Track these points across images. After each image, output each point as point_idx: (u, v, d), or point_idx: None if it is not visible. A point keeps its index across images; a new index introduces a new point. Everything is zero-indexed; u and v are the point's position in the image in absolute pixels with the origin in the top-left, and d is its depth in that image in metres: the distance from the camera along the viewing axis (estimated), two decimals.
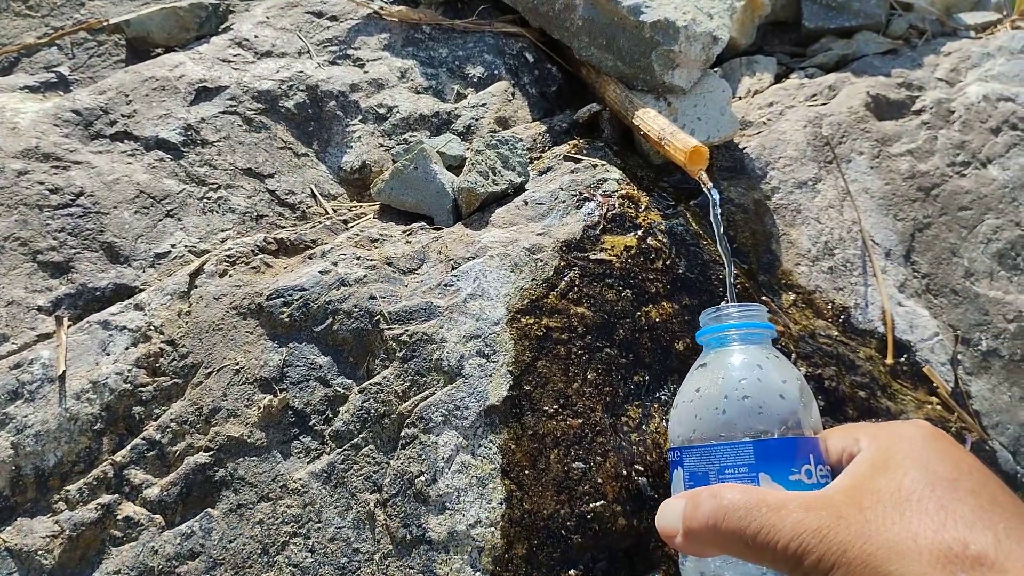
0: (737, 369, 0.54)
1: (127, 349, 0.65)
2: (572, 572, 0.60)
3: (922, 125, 0.92)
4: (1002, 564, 0.37)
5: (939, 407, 0.76)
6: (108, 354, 0.64)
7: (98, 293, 0.68)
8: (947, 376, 0.77)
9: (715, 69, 0.90)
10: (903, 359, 0.77)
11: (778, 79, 0.99)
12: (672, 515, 0.49)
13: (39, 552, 0.58)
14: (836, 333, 0.77)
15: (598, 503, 0.62)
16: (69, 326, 0.65)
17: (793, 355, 0.73)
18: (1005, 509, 0.41)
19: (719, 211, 0.66)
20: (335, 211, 0.78)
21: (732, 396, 0.53)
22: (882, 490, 0.42)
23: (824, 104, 0.92)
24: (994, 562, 0.37)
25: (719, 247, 0.67)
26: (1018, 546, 0.38)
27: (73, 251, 0.69)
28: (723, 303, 0.70)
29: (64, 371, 0.63)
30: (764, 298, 0.77)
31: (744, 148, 0.86)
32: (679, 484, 0.54)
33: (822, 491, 0.46)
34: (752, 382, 0.53)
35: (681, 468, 0.54)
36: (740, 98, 0.98)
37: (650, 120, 0.79)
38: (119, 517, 0.59)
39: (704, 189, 0.72)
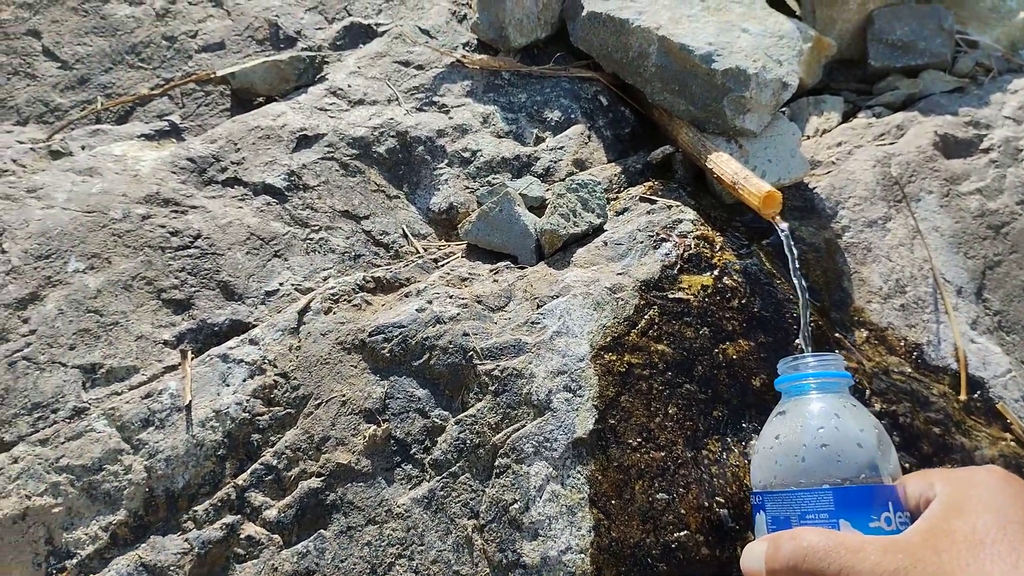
0: (815, 417, 0.57)
1: (244, 381, 0.71)
2: None
3: (990, 163, 0.94)
4: None
5: (1013, 443, 0.77)
6: (228, 385, 0.70)
7: (216, 328, 0.75)
8: (1021, 413, 0.79)
9: (783, 109, 0.93)
10: (976, 395, 0.79)
11: (845, 117, 1.02)
12: (755, 557, 0.52)
13: (171, 568, 0.64)
14: (909, 370, 0.79)
15: (682, 533, 0.65)
16: (192, 359, 0.72)
17: (867, 391, 0.75)
18: None
19: (796, 258, 0.69)
20: (425, 250, 0.83)
21: (810, 444, 0.56)
22: (956, 533, 0.45)
23: (892, 143, 0.95)
24: None
25: (796, 287, 0.70)
26: None
27: (193, 289, 0.76)
28: (799, 350, 0.74)
29: (190, 401, 0.69)
30: (837, 335, 0.80)
31: (814, 188, 0.89)
32: (762, 528, 0.57)
33: (900, 535, 0.48)
34: (830, 431, 0.56)
35: (763, 512, 0.57)
36: (808, 137, 1.01)
37: (723, 164, 0.83)
38: (242, 536, 0.65)
39: (777, 229, 0.75)
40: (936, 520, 0.48)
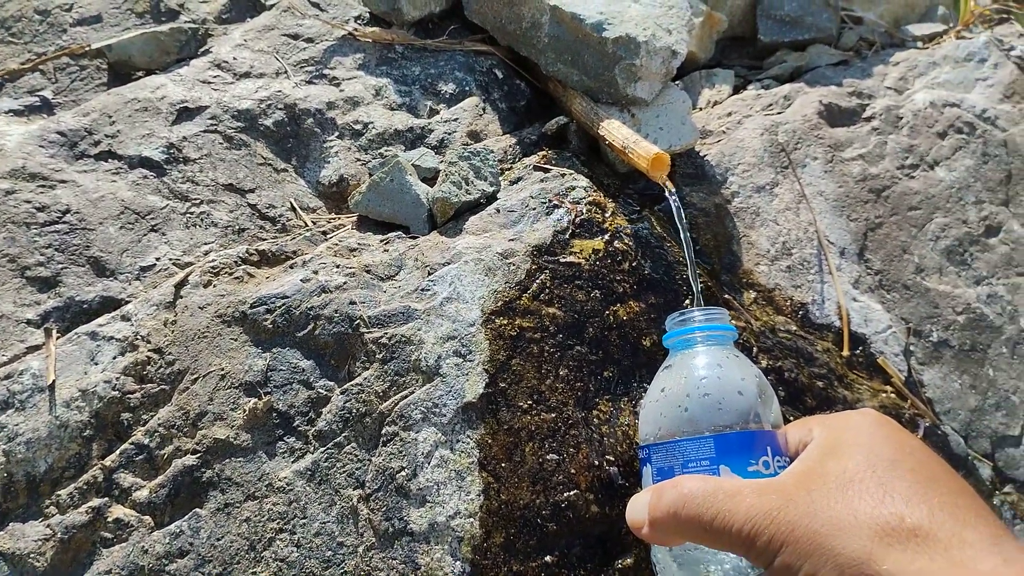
0: (699, 368, 0.58)
1: (115, 358, 0.67)
2: (548, 558, 0.63)
3: (872, 131, 0.97)
4: (935, 535, 0.40)
5: (893, 395, 0.80)
6: (96, 363, 0.67)
7: (85, 306, 0.71)
8: (901, 366, 0.81)
9: (676, 82, 0.94)
10: (859, 351, 0.81)
11: (736, 91, 1.04)
12: (639, 507, 0.53)
13: (31, 555, 0.60)
14: (795, 328, 0.81)
15: (572, 492, 0.65)
16: (58, 338, 0.68)
17: (755, 349, 0.76)
18: (942, 485, 0.44)
19: (683, 213, 0.70)
20: (314, 223, 0.81)
21: (694, 394, 0.56)
22: (829, 473, 0.46)
23: (779, 113, 0.97)
24: (927, 533, 0.40)
25: (684, 247, 0.71)
26: (951, 518, 0.41)
27: (60, 266, 0.72)
28: (687, 307, 0.75)
29: (54, 380, 0.65)
30: (726, 296, 0.81)
31: (705, 156, 0.91)
32: (648, 480, 0.57)
33: (775, 478, 0.49)
34: (713, 380, 0.57)
35: (649, 464, 0.57)
36: (700, 109, 1.02)
37: (615, 130, 0.83)
38: (109, 519, 0.62)
39: (666, 193, 0.76)
40: (810, 462, 0.49)
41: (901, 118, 0.99)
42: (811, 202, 0.89)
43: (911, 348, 0.83)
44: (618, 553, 0.64)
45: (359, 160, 0.86)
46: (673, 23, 0.91)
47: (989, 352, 0.85)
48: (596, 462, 0.67)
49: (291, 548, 0.61)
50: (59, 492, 0.62)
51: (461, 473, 0.64)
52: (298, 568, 0.61)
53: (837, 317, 0.82)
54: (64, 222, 0.74)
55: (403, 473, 0.64)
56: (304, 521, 0.62)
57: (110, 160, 0.79)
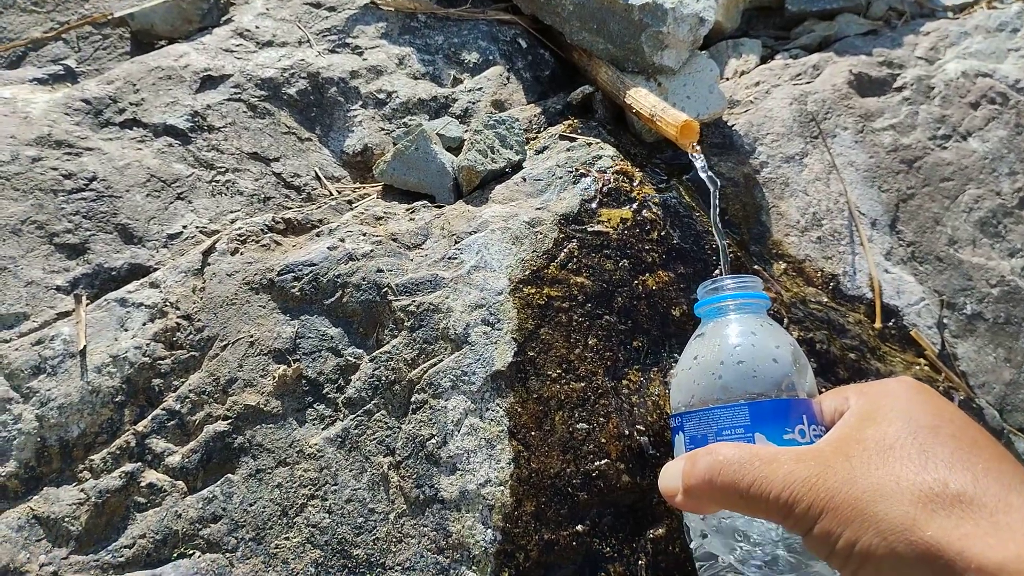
0: (733, 336, 0.57)
1: (144, 324, 0.67)
2: (580, 527, 0.63)
3: (903, 101, 0.95)
4: (980, 500, 0.39)
5: (927, 368, 0.79)
6: (126, 330, 0.67)
7: (114, 273, 0.71)
8: (934, 339, 0.80)
9: (703, 51, 0.93)
10: (891, 323, 0.80)
11: (763, 60, 1.02)
12: (673, 475, 0.52)
13: (66, 519, 0.60)
14: (826, 299, 0.80)
15: (602, 461, 0.65)
16: (87, 304, 0.68)
17: (785, 320, 0.76)
18: (984, 451, 0.43)
19: (717, 181, 0.69)
20: (339, 192, 0.80)
21: (728, 361, 0.55)
22: (868, 440, 0.45)
23: (808, 83, 0.95)
24: (972, 499, 0.40)
25: (712, 215, 0.70)
26: (996, 484, 0.41)
27: (88, 233, 0.72)
28: (717, 275, 0.74)
29: (85, 346, 0.65)
30: (756, 267, 0.80)
31: (733, 125, 0.89)
32: (680, 448, 0.57)
33: (812, 445, 0.48)
34: (747, 348, 0.56)
35: (682, 432, 0.56)
36: (727, 79, 1.01)
37: (642, 99, 0.82)
38: (142, 484, 0.62)
39: (694, 159, 0.75)
40: (848, 429, 0.48)
41: (932, 88, 0.97)
42: (842, 172, 0.87)
43: (944, 321, 0.82)
44: (650, 523, 0.64)
45: (383, 129, 0.85)
46: None
47: None
48: (626, 431, 0.66)
49: (323, 514, 0.61)
50: (92, 457, 0.62)
51: (491, 441, 0.64)
52: (330, 534, 0.61)
53: (869, 289, 0.81)
54: (91, 189, 0.73)
55: (433, 441, 0.63)
56: (335, 487, 0.62)
57: (135, 128, 0.78)
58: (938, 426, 0.45)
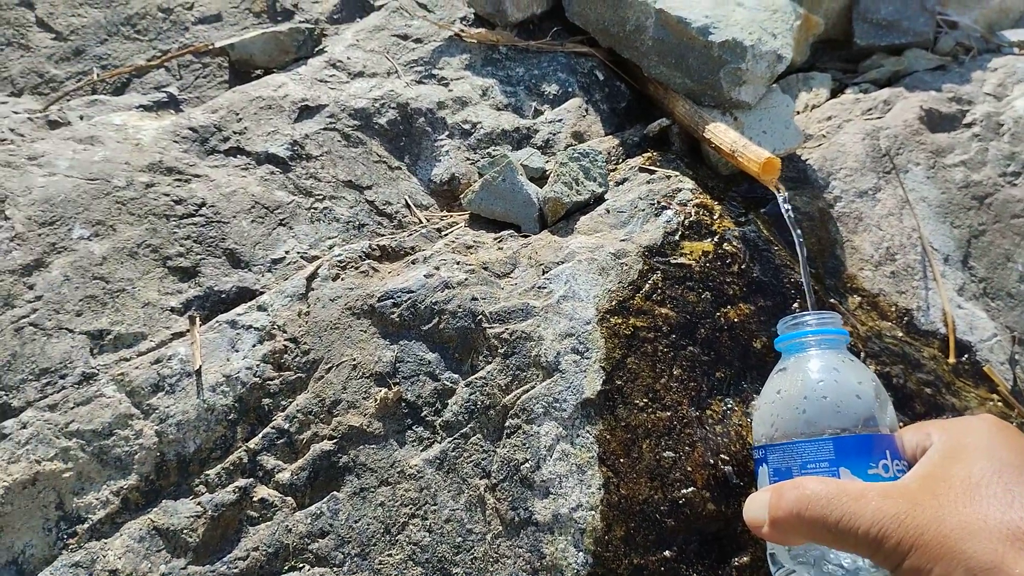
0: (815, 372, 0.59)
1: (254, 346, 0.71)
2: (667, 552, 0.65)
3: (973, 137, 0.97)
4: None
5: (1000, 404, 0.80)
6: (237, 351, 0.70)
7: (223, 295, 0.75)
8: (1007, 375, 0.82)
9: (775, 84, 0.95)
10: (964, 358, 0.82)
11: (833, 94, 1.04)
12: (759, 506, 0.54)
13: (184, 531, 0.64)
14: (901, 334, 0.82)
15: (688, 489, 0.67)
16: (200, 325, 0.72)
17: (862, 354, 0.77)
18: None
19: (795, 221, 0.71)
20: (428, 220, 0.84)
21: (811, 396, 0.58)
22: (953, 478, 0.47)
23: (880, 118, 0.97)
24: None
25: (798, 254, 0.72)
26: None
27: (199, 257, 0.76)
28: (797, 310, 0.76)
29: (200, 366, 0.69)
30: (832, 300, 0.82)
31: (806, 160, 0.92)
32: (764, 480, 0.59)
33: (899, 481, 0.50)
34: (830, 383, 0.58)
35: (766, 465, 0.59)
36: (798, 112, 1.03)
37: (721, 133, 0.84)
38: (255, 499, 0.65)
39: (778, 198, 0.77)
40: (933, 467, 0.50)
41: (1002, 125, 0.98)
42: (914, 208, 0.89)
43: (1016, 357, 0.83)
44: (734, 551, 0.66)
45: (468, 159, 0.89)
46: (778, 27, 0.92)
47: None
48: (711, 461, 0.69)
49: (423, 533, 0.65)
50: (207, 472, 0.66)
51: (582, 467, 0.66)
52: (430, 552, 0.64)
53: (942, 324, 0.83)
54: (200, 215, 0.77)
55: (527, 465, 0.66)
56: (435, 507, 0.65)
57: (239, 156, 0.83)
58: (1021, 464, 0.46)
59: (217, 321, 0.72)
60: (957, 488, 0.46)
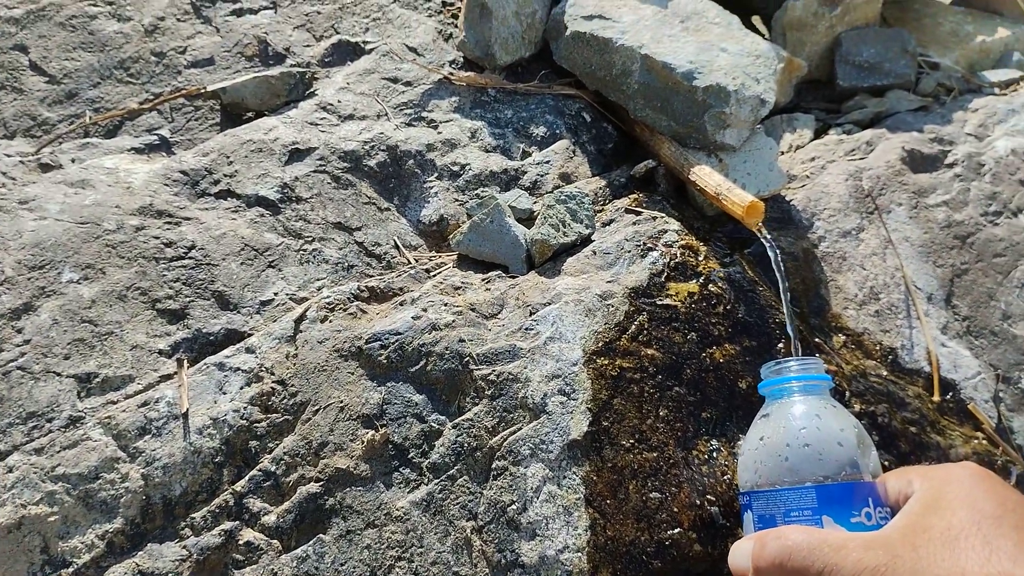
0: (797, 419, 0.59)
1: (242, 388, 0.71)
2: None
3: (955, 177, 0.99)
4: None
5: (985, 442, 0.81)
6: (225, 393, 0.71)
7: (212, 337, 0.75)
8: (991, 412, 0.82)
9: (759, 126, 0.97)
10: (949, 396, 0.82)
11: (817, 134, 1.06)
12: (742, 555, 0.54)
13: (169, 574, 0.64)
14: (885, 372, 0.82)
15: (675, 531, 0.67)
16: (188, 368, 0.72)
17: (847, 393, 0.78)
18: None
19: (781, 264, 0.72)
20: (417, 261, 0.85)
21: (794, 444, 0.58)
22: (933, 528, 0.47)
23: (863, 158, 0.99)
24: None
25: (782, 298, 0.73)
26: None
27: (188, 299, 0.76)
28: (782, 353, 0.77)
29: (187, 409, 0.69)
30: (816, 339, 0.83)
31: (791, 200, 0.93)
32: (749, 526, 0.59)
33: (880, 531, 0.51)
34: (812, 431, 0.58)
35: (751, 511, 0.59)
36: (783, 153, 1.05)
37: (706, 176, 0.86)
38: (240, 542, 0.65)
39: (763, 241, 0.78)
40: (914, 517, 0.50)
41: (983, 165, 1.00)
42: (897, 248, 0.90)
43: (1000, 395, 0.84)
44: None
45: (457, 200, 0.90)
46: (761, 72, 0.94)
47: None
48: (698, 501, 0.69)
49: (410, 575, 0.64)
50: (193, 515, 0.66)
51: (568, 509, 0.67)
52: None
53: (926, 362, 0.84)
54: (190, 257, 0.78)
55: (513, 507, 0.66)
56: (421, 550, 0.65)
57: (229, 198, 0.84)
58: (1001, 516, 0.47)
59: (205, 363, 0.73)
60: (937, 540, 0.46)
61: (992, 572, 0.43)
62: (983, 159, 1.01)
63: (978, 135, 1.05)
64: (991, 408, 0.83)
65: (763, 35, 1.24)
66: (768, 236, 0.77)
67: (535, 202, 0.90)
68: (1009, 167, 1.00)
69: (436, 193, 0.90)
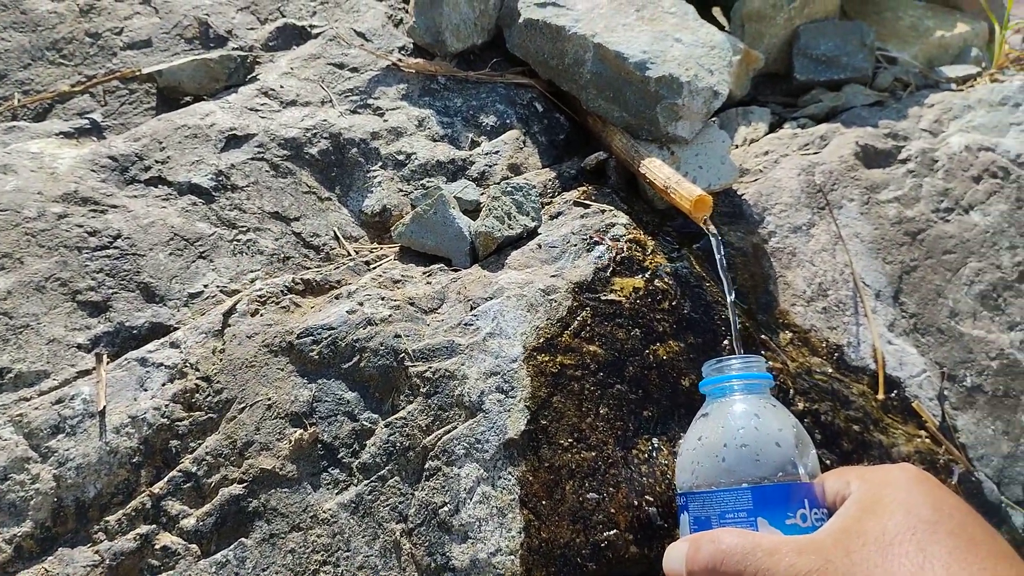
0: (736, 418, 0.58)
1: (164, 385, 0.68)
2: None
3: (908, 173, 0.98)
4: None
5: (928, 440, 0.80)
6: (146, 390, 0.68)
7: (135, 331, 0.72)
8: (935, 411, 0.82)
9: (713, 119, 0.95)
10: (894, 395, 0.82)
11: (772, 128, 1.05)
12: (676, 558, 0.53)
13: None
14: (831, 370, 0.81)
15: (611, 532, 0.66)
16: (108, 363, 0.69)
17: (791, 391, 0.77)
18: (982, 549, 0.44)
19: (724, 261, 0.71)
20: (357, 253, 0.82)
21: (731, 444, 0.57)
22: (868, 533, 0.46)
23: (816, 153, 0.98)
24: None
25: (726, 295, 0.71)
26: None
27: (111, 291, 0.73)
28: (725, 354, 0.75)
29: (104, 406, 0.66)
30: (763, 336, 0.81)
31: (742, 195, 0.92)
32: (685, 528, 0.58)
33: (813, 535, 0.50)
34: (750, 431, 0.57)
35: (687, 512, 0.58)
36: (737, 146, 1.03)
37: (656, 169, 0.84)
38: (157, 547, 0.62)
39: (710, 236, 0.76)
40: (848, 520, 0.49)
41: (936, 161, 1.00)
42: (847, 244, 0.89)
43: (945, 393, 0.83)
44: None
45: (401, 190, 0.87)
46: (715, 63, 0.92)
47: (1022, 398, 0.85)
48: (635, 502, 0.67)
49: None
50: (107, 518, 0.63)
51: (503, 510, 0.65)
52: None
53: (872, 360, 0.83)
54: (115, 247, 0.75)
55: (446, 508, 0.64)
56: (348, 554, 0.63)
57: (160, 186, 0.80)
58: (937, 521, 0.46)
59: (126, 359, 0.69)
60: (871, 545, 0.45)
61: None
62: (937, 155, 1.00)
63: (933, 131, 1.04)
64: (935, 406, 0.82)
65: (723, 27, 1.22)
66: (714, 231, 0.75)
67: (482, 193, 0.87)
68: (962, 163, 0.99)
69: (380, 183, 0.88)
